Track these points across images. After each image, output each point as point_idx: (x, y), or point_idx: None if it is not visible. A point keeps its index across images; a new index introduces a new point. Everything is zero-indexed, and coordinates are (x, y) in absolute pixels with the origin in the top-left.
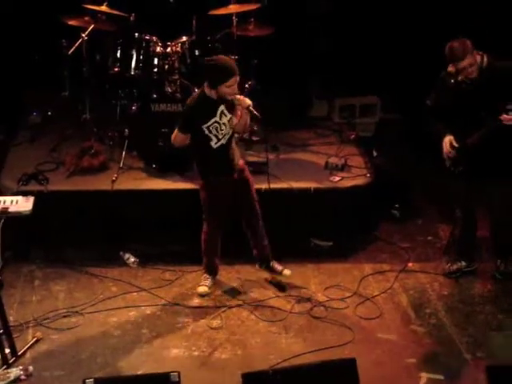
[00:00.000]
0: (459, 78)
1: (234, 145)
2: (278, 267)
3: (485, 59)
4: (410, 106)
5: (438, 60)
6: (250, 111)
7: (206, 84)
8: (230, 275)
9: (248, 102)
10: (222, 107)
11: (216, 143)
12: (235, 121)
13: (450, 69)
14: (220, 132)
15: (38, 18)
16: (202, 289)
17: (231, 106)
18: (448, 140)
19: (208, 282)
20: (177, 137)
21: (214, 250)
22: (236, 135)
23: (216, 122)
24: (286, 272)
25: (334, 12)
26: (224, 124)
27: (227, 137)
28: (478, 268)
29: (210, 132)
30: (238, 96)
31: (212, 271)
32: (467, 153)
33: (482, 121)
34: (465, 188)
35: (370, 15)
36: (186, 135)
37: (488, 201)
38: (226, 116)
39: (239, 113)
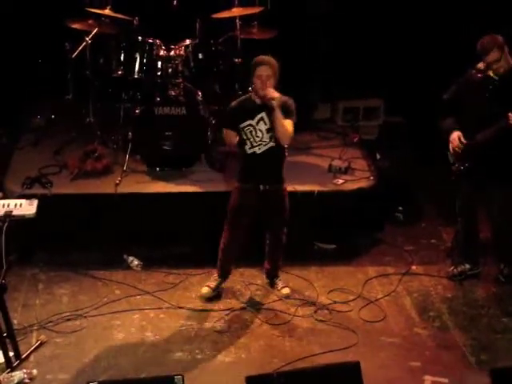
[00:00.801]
0: (487, 73)
1: (274, 161)
2: (279, 285)
3: None
4: (413, 109)
5: (443, 62)
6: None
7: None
8: (235, 278)
9: (272, 94)
10: (262, 114)
11: (250, 148)
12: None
13: (480, 65)
14: (255, 138)
15: (41, 21)
16: (206, 290)
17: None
18: (456, 135)
19: (215, 283)
20: (224, 134)
21: (229, 260)
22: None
23: (251, 125)
24: (285, 291)
25: (336, 13)
26: (260, 131)
27: (263, 147)
28: (482, 271)
29: (245, 134)
30: (268, 89)
31: (223, 275)
32: (475, 150)
33: (495, 120)
34: (468, 188)
35: (374, 17)
36: (230, 132)
37: (489, 202)
38: (265, 124)
39: (275, 115)
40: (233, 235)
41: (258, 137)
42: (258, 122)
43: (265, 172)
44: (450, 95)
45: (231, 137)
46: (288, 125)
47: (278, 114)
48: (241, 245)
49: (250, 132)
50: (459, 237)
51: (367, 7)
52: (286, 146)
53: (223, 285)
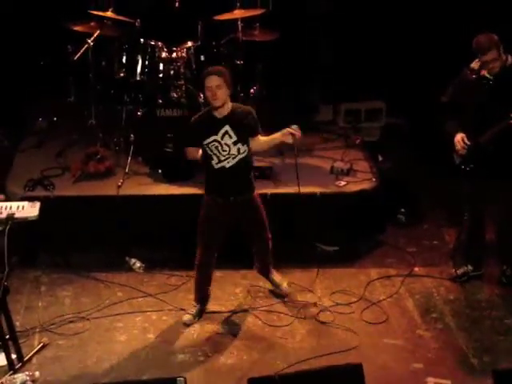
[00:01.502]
0: (482, 73)
1: (243, 172)
2: (277, 278)
3: (509, 59)
4: (415, 111)
5: (444, 63)
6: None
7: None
8: (236, 280)
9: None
10: (226, 127)
11: (217, 163)
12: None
13: (474, 65)
14: (222, 152)
15: (43, 23)
16: (187, 317)
17: (241, 127)
18: (460, 137)
19: (195, 310)
20: (185, 152)
21: (205, 279)
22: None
23: (215, 140)
24: (285, 288)
25: (337, 14)
26: (227, 145)
27: (232, 160)
28: (485, 273)
29: (211, 150)
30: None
31: (201, 300)
32: (479, 151)
33: (496, 119)
34: (473, 189)
35: (376, 18)
36: (192, 149)
37: (493, 203)
38: (230, 138)
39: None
40: (207, 252)
41: (224, 151)
42: (222, 137)
43: (234, 184)
44: (448, 97)
45: (193, 152)
46: (262, 139)
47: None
48: (214, 264)
49: (216, 147)
50: (462, 238)
51: (368, 8)
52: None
53: (219, 289)
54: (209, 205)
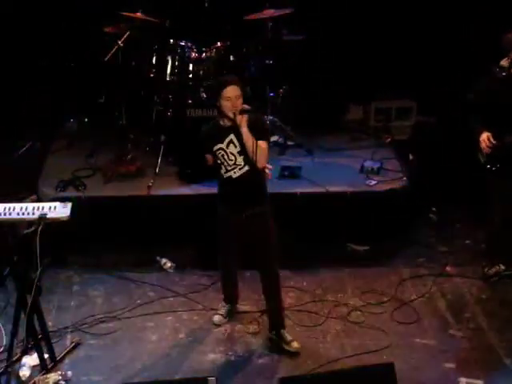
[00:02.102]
0: (511, 71)
1: (252, 185)
2: (288, 337)
3: None
4: (445, 109)
5: (476, 62)
6: (244, 112)
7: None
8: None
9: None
10: (231, 136)
11: (225, 172)
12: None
13: (503, 63)
14: (228, 161)
15: (74, 25)
16: (217, 318)
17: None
18: (486, 136)
19: (224, 310)
20: (206, 158)
21: (228, 280)
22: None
23: (221, 148)
24: (295, 345)
25: (365, 13)
26: (232, 154)
27: (239, 171)
28: None
29: (219, 158)
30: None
31: (229, 300)
32: (505, 151)
33: None
34: (502, 187)
35: (407, 16)
36: (208, 156)
37: None
38: (235, 147)
39: (247, 138)
40: (225, 260)
41: (231, 160)
42: (228, 145)
43: (243, 196)
44: (476, 95)
45: (208, 160)
46: (262, 144)
47: (246, 132)
48: (236, 264)
49: (222, 156)
50: (494, 237)
51: (398, 5)
52: (261, 167)
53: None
54: (220, 217)
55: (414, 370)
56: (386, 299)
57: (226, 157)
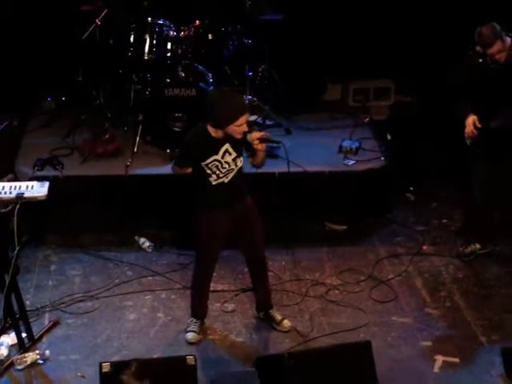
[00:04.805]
0: (487, 58)
1: (240, 180)
2: (278, 317)
3: None
4: (424, 89)
5: (454, 41)
6: (264, 140)
7: (209, 124)
8: (243, 259)
9: (257, 135)
10: (226, 146)
11: (215, 180)
12: (254, 159)
13: (479, 49)
14: (221, 170)
15: (52, 3)
16: (191, 336)
17: (239, 143)
18: (472, 120)
19: (196, 327)
20: (174, 169)
21: (203, 293)
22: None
23: (216, 160)
24: (286, 324)
25: None
26: (227, 162)
27: (230, 175)
28: (493, 250)
29: (210, 169)
30: (251, 134)
31: (199, 315)
32: (490, 135)
33: (508, 102)
34: (485, 170)
35: None
36: (184, 169)
37: (501, 185)
38: (230, 155)
39: (259, 153)
40: (205, 275)
41: (224, 168)
42: (223, 156)
43: (233, 193)
44: (454, 80)
45: (183, 171)
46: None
47: (262, 151)
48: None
49: (216, 166)
50: (471, 216)
51: None
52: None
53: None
54: (209, 220)
55: (391, 347)
56: (363, 278)
57: (219, 166)
